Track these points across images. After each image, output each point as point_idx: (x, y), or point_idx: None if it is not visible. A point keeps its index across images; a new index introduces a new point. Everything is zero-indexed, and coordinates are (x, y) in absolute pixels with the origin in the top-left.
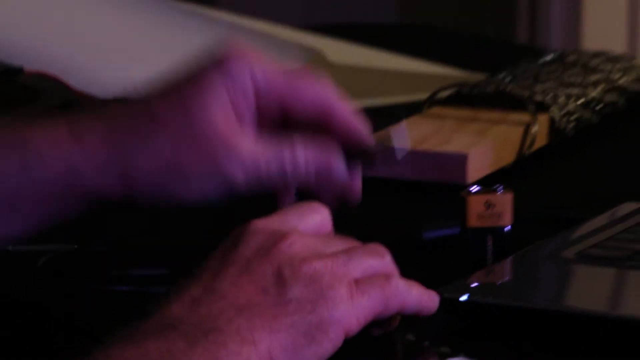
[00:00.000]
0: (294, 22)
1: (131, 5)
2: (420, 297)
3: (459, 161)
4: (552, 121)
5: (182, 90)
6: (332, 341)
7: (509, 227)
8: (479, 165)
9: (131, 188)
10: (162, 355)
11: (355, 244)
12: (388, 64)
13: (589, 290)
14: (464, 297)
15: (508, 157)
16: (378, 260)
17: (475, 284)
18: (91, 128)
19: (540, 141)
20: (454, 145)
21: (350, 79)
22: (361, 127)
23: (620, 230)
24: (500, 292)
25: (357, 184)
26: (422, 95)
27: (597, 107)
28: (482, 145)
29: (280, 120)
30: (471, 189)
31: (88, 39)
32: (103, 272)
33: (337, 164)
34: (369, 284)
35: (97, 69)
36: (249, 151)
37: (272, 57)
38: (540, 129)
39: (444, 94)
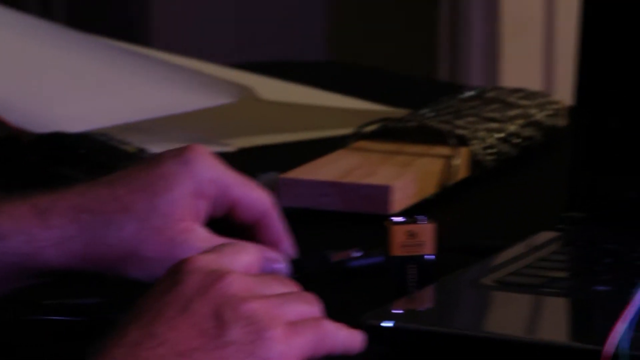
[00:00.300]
0: (225, 60)
1: (68, 43)
2: (347, 338)
3: (384, 192)
4: (472, 154)
5: (149, 181)
6: None
7: (432, 255)
8: (402, 196)
9: (89, 267)
10: None
11: (288, 283)
12: (317, 100)
13: (508, 316)
14: (387, 324)
15: (431, 188)
16: (309, 306)
17: (398, 311)
18: (56, 206)
19: (462, 173)
20: (378, 177)
21: (280, 115)
22: (288, 238)
23: (537, 259)
24: (422, 318)
25: None
26: (349, 130)
27: (516, 141)
28: (405, 177)
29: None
30: (394, 219)
31: (25, 75)
32: (37, 302)
33: (282, 264)
34: (303, 326)
35: (34, 105)
36: (203, 243)
37: (205, 93)
38: (461, 161)
39: (370, 128)
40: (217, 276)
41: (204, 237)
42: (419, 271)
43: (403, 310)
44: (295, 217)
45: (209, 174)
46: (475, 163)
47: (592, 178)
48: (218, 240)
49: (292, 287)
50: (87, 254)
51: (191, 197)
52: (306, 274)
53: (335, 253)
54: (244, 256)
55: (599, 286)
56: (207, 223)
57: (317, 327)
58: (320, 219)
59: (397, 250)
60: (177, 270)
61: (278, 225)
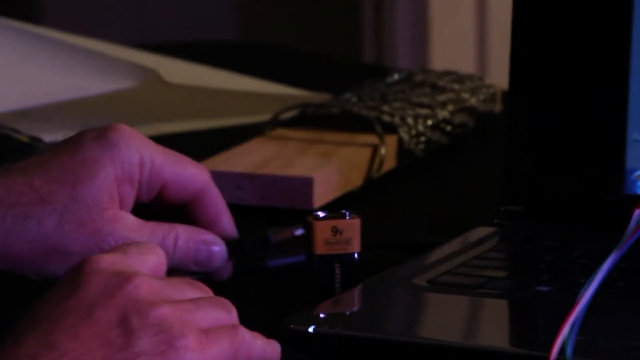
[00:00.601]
0: (128, 41)
1: None
2: (264, 348)
3: (304, 185)
4: (400, 143)
5: (69, 168)
6: None
7: (358, 253)
8: (325, 189)
9: (4, 265)
10: None
11: (199, 287)
12: (229, 84)
13: (442, 320)
14: (311, 329)
15: (356, 180)
16: (224, 312)
17: (323, 315)
18: None
19: (389, 163)
20: (298, 168)
21: (188, 100)
22: (227, 216)
23: (473, 257)
24: (349, 322)
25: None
26: (265, 117)
27: (447, 128)
28: (327, 168)
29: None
30: (317, 214)
31: None
32: None
33: (219, 246)
34: (218, 334)
35: None
36: (132, 231)
37: (105, 77)
38: (388, 150)
39: (288, 114)
40: (122, 278)
41: (133, 225)
42: (345, 271)
43: (328, 313)
44: None
45: (136, 156)
46: (403, 152)
47: (530, 169)
48: (149, 226)
49: (204, 291)
50: (2, 251)
51: (117, 183)
52: (245, 255)
53: (276, 232)
54: (151, 256)
55: (540, 286)
56: (136, 207)
57: (233, 336)
58: (234, 214)
59: (321, 248)
60: (77, 272)
61: (215, 203)
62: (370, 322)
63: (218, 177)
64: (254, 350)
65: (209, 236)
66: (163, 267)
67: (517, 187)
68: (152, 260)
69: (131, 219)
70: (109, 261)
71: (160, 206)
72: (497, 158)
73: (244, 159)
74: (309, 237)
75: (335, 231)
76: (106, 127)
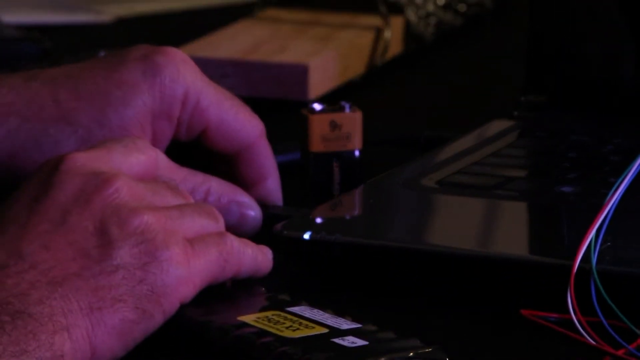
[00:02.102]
0: None
1: None
2: (255, 257)
3: (298, 73)
4: (408, 25)
5: (102, 87)
6: (164, 313)
7: (359, 151)
8: (322, 78)
9: (10, 182)
10: None
11: (183, 194)
12: None
13: (453, 225)
14: (306, 235)
15: (357, 67)
16: (211, 221)
17: (319, 219)
18: None
19: (395, 48)
20: (291, 54)
21: None
22: (274, 179)
23: (489, 154)
24: (348, 227)
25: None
26: None
27: (461, 8)
28: (325, 54)
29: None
30: (313, 106)
31: None
32: None
33: (254, 211)
34: (205, 244)
35: None
36: (160, 172)
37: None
38: (394, 33)
39: None
40: (101, 180)
41: (166, 165)
42: (344, 170)
43: (325, 218)
44: None
45: (180, 90)
46: (411, 36)
47: (554, 54)
48: (181, 172)
49: (188, 198)
50: (9, 168)
51: (152, 116)
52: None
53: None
54: (139, 156)
55: (564, 187)
56: (174, 147)
57: (221, 245)
58: None
59: (317, 145)
60: (49, 170)
61: (264, 161)
62: (372, 228)
63: (200, 64)
64: (244, 260)
65: (245, 198)
66: (152, 170)
67: (540, 74)
68: (140, 160)
69: (163, 158)
70: (87, 158)
71: (201, 153)
72: (517, 42)
73: (231, 43)
74: (304, 132)
75: (334, 126)
76: (156, 48)
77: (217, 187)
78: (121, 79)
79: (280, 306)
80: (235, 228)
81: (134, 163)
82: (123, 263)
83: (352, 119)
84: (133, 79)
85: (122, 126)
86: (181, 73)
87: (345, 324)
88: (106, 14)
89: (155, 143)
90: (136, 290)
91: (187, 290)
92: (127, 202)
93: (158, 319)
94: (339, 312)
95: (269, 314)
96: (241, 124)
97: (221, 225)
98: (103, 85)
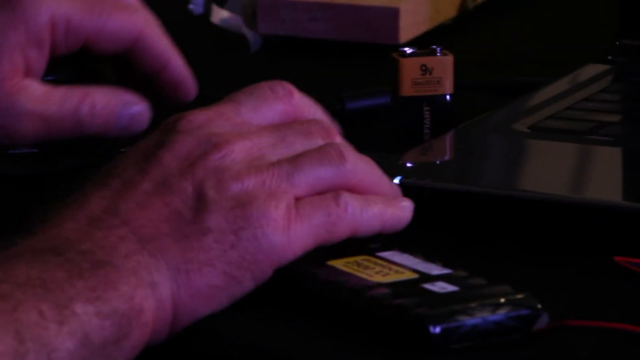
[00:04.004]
0: None
1: None
2: (381, 215)
3: (389, 16)
4: None
5: None
6: (255, 279)
7: (450, 95)
8: (412, 21)
9: None
10: (30, 283)
11: (321, 133)
12: None
13: (545, 170)
14: (396, 180)
15: (448, 11)
16: (333, 168)
17: (410, 164)
18: None
19: None
20: None
21: None
22: (176, 60)
23: (582, 98)
24: (439, 173)
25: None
26: None
27: None
28: None
29: (82, 52)
30: (404, 50)
31: None
32: None
33: (139, 106)
34: (312, 207)
35: None
36: (38, 103)
37: None
38: None
39: None
40: (212, 145)
41: (39, 95)
42: (435, 114)
43: (415, 163)
44: (276, 48)
45: (44, 17)
46: None
47: None
48: (58, 94)
49: (332, 136)
50: None
51: (20, 48)
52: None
53: None
54: (271, 105)
55: None
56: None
57: (331, 207)
58: (308, 50)
59: (408, 89)
60: (167, 129)
61: (158, 49)
62: (464, 173)
63: (288, 7)
64: (362, 220)
65: (128, 96)
66: (292, 113)
67: (635, 17)
68: (275, 110)
69: (37, 88)
70: (208, 118)
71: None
72: None
73: None
74: (394, 76)
75: (425, 69)
76: None
77: (100, 96)
78: None
79: (370, 251)
80: (128, 128)
81: (268, 114)
82: (215, 226)
83: (443, 63)
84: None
85: None
86: (41, 1)
87: (435, 270)
88: None
89: (27, 73)
90: (227, 256)
91: (282, 257)
92: (232, 167)
93: (247, 285)
94: (430, 258)
95: (358, 258)
96: (119, 25)
97: (346, 169)
98: None
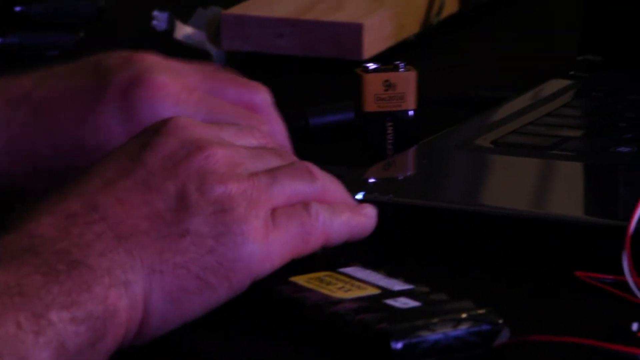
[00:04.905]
0: None
1: None
2: (348, 223)
3: (353, 32)
4: None
5: (73, 134)
6: (232, 289)
7: (413, 111)
8: (376, 37)
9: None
10: (8, 291)
11: (287, 156)
12: None
13: (508, 185)
14: (359, 195)
15: (412, 27)
16: (305, 183)
17: (373, 179)
18: None
19: (451, 7)
20: (347, 13)
21: None
22: (283, 135)
23: (544, 113)
24: (402, 188)
25: None
26: None
27: None
28: (380, 13)
29: None
30: (367, 65)
31: None
32: None
33: None
34: (288, 217)
35: None
36: None
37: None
38: None
39: None
40: (195, 147)
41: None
42: (398, 130)
43: (378, 178)
44: (242, 64)
45: (157, 117)
46: None
47: (612, 12)
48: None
49: (289, 159)
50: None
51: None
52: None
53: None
54: (250, 135)
55: (621, 147)
56: None
57: (304, 217)
58: (273, 66)
59: (371, 105)
60: (152, 132)
61: (269, 118)
62: (426, 189)
63: (253, 23)
64: (332, 229)
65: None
66: (269, 141)
67: (596, 33)
68: (250, 142)
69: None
70: (191, 124)
71: None
72: (574, 1)
73: (285, 2)
74: (358, 92)
75: (388, 85)
76: (134, 76)
77: None
78: (96, 125)
79: (332, 266)
80: None
81: (242, 143)
82: (195, 229)
83: (406, 79)
84: (108, 125)
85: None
86: (158, 108)
87: (397, 285)
88: None
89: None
90: (203, 260)
91: (261, 267)
92: (215, 169)
93: (222, 293)
94: (392, 273)
95: (321, 274)
96: (233, 92)
97: (318, 185)
98: (76, 131)
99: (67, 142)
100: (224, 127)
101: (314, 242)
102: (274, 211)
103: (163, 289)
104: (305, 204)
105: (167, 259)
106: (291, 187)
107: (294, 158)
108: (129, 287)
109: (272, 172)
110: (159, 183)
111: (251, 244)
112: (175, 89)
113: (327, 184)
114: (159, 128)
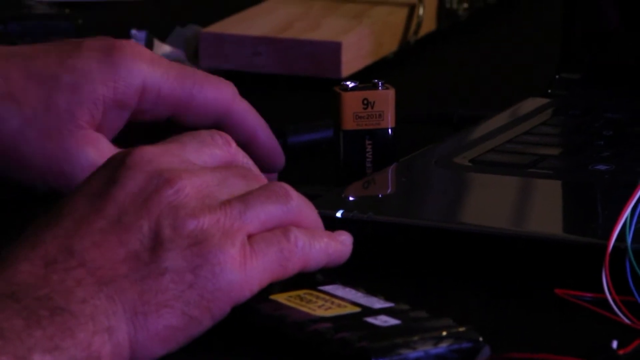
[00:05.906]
0: None
1: None
2: (326, 249)
3: (331, 50)
4: (441, 2)
5: (54, 70)
6: (214, 318)
7: (392, 129)
8: (354, 56)
9: None
10: None
11: (254, 177)
12: None
13: (486, 203)
14: (339, 213)
15: (390, 45)
16: (280, 206)
17: (352, 197)
18: None
19: (428, 26)
20: (324, 31)
21: None
22: (263, 131)
23: (523, 132)
24: (381, 206)
25: None
26: None
27: None
28: (358, 31)
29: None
30: (346, 83)
31: None
32: None
33: None
34: (266, 243)
35: None
36: (101, 159)
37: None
38: (427, 11)
39: None
40: (163, 180)
41: (104, 151)
42: (377, 148)
43: (357, 196)
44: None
45: (136, 82)
46: (444, 13)
47: (591, 31)
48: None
49: (261, 180)
50: None
51: (104, 105)
52: None
53: None
54: (212, 151)
55: (599, 165)
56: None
57: (282, 242)
58: (252, 84)
59: (350, 123)
60: (116, 165)
61: (245, 122)
62: (405, 207)
63: (233, 42)
64: (310, 255)
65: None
66: (228, 159)
67: (574, 51)
68: (215, 155)
69: (105, 145)
70: (155, 154)
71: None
72: (552, 19)
73: (263, 20)
74: (336, 110)
75: (366, 103)
76: (115, 41)
77: None
78: (74, 65)
79: (312, 285)
80: None
81: (208, 159)
82: (172, 266)
83: (384, 97)
84: (86, 67)
85: (69, 111)
86: (137, 65)
87: (377, 303)
88: None
89: (101, 129)
90: (185, 296)
91: (240, 294)
92: (186, 203)
93: (206, 324)
94: (372, 291)
95: (301, 292)
96: (209, 99)
97: (292, 206)
98: (54, 68)
99: (44, 78)
100: (186, 144)
101: (292, 268)
102: (251, 237)
103: (148, 330)
104: (284, 230)
105: (149, 300)
106: (264, 212)
107: (259, 173)
108: (112, 334)
109: (243, 198)
110: (133, 222)
111: (229, 273)
112: (149, 52)
113: (303, 205)
114: (124, 159)
